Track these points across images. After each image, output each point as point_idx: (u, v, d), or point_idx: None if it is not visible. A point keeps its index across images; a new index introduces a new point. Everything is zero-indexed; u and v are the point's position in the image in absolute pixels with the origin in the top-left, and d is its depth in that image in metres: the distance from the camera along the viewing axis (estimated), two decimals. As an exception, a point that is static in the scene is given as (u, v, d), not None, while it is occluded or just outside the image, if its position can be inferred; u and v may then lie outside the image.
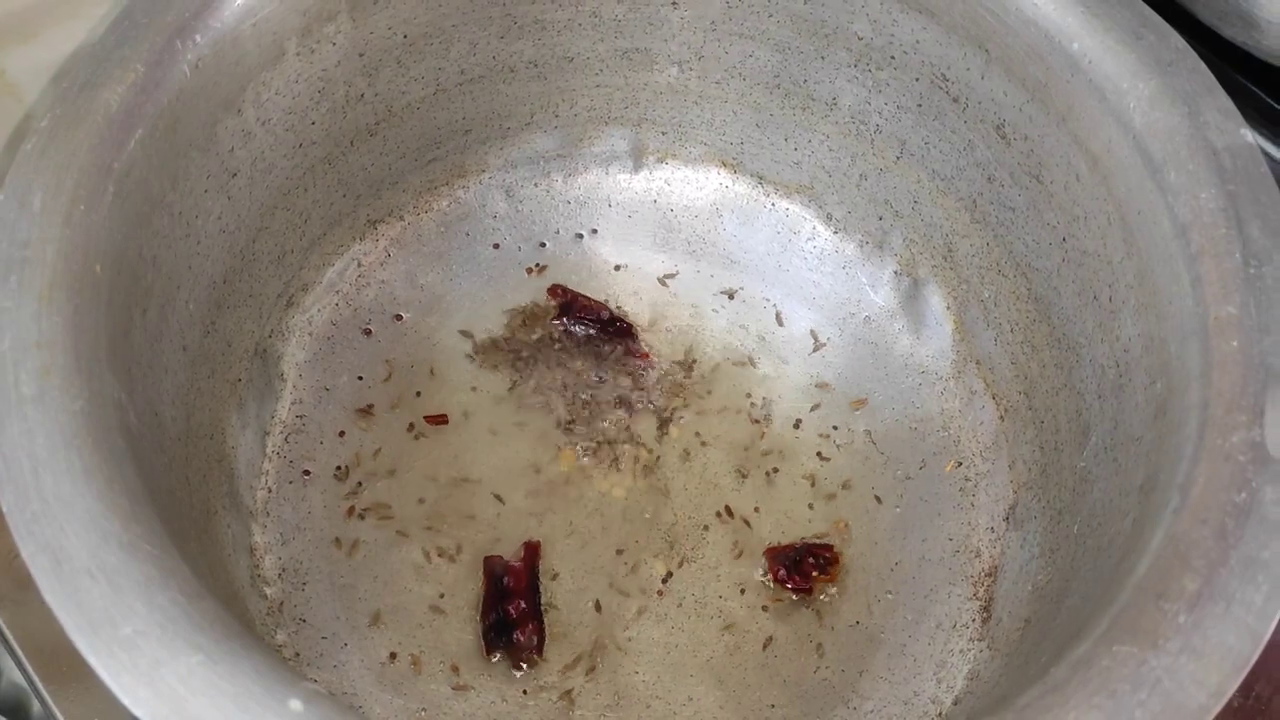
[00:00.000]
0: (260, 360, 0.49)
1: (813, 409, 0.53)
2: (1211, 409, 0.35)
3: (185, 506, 0.39)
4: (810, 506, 0.51)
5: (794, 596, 0.48)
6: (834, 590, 0.49)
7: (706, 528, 0.50)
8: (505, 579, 0.47)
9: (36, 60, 0.45)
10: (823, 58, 0.51)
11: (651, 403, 0.53)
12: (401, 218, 0.55)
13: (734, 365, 0.55)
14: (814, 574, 0.48)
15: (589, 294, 0.55)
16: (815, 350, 0.55)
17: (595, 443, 0.52)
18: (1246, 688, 0.31)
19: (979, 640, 0.46)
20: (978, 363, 0.52)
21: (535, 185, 0.57)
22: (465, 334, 0.54)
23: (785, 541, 0.50)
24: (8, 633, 0.45)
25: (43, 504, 0.29)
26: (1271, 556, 0.32)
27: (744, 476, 0.51)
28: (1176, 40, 0.42)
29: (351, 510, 0.49)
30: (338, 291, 0.53)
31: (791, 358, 0.55)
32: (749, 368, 0.55)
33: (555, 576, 0.48)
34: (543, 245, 0.57)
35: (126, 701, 0.27)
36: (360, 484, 0.49)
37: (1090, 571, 0.39)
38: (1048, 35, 0.43)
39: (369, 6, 0.47)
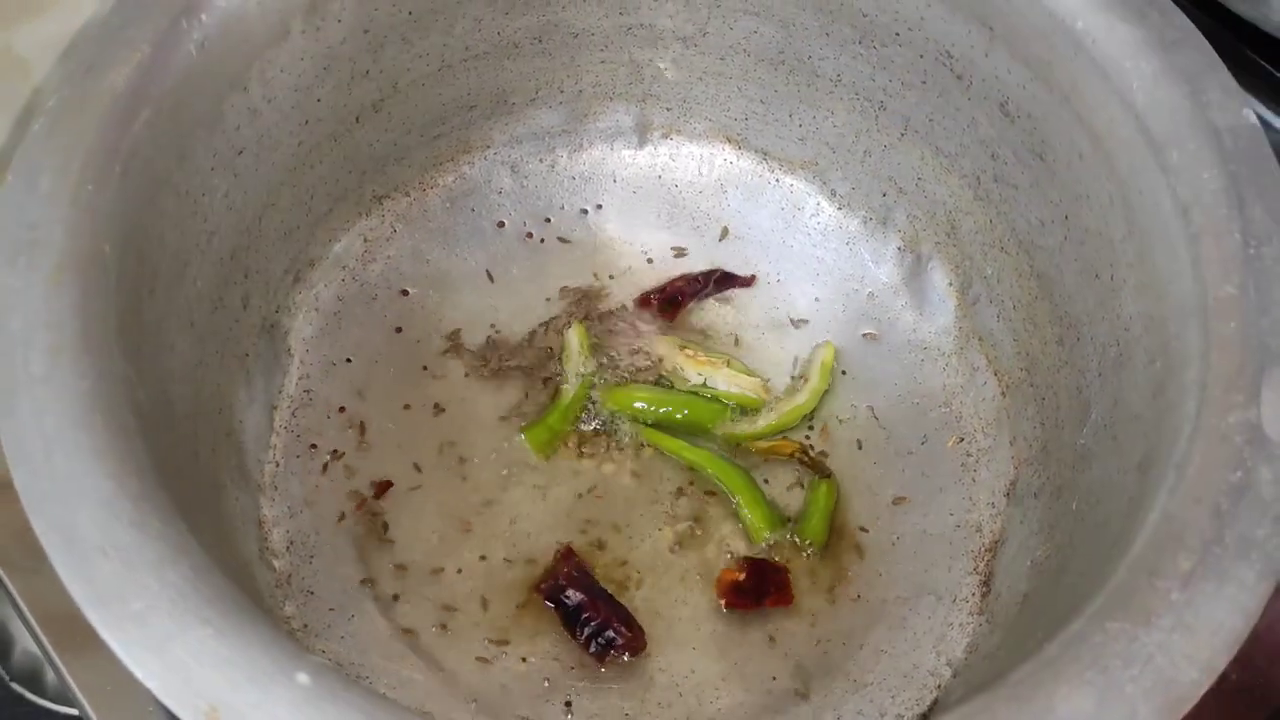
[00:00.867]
0: (268, 336, 0.49)
1: (816, 383, 0.54)
2: (1209, 389, 0.35)
3: (194, 482, 0.39)
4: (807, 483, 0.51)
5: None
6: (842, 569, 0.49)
7: (708, 502, 0.50)
8: (566, 597, 0.47)
9: (44, 36, 0.45)
10: (827, 34, 0.51)
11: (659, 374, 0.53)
12: (407, 194, 0.55)
13: (739, 339, 0.55)
14: (767, 600, 0.48)
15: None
16: (818, 325, 0.55)
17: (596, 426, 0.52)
18: (1244, 661, 0.31)
19: (978, 614, 0.47)
20: (980, 339, 0.52)
21: (540, 161, 0.57)
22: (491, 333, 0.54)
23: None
24: (21, 602, 0.46)
25: (54, 482, 0.30)
26: (1265, 535, 0.32)
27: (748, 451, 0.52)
28: (1180, 19, 0.41)
29: (359, 499, 0.49)
30: (344, 267, 0.53)
31: (794, 332, 0.55)
32: (753, 342, 0.55)
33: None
34: (548, 220, 0.57)
35: (138, 674, 0.28)
36: (365, 458, 0.50)
37: (1088, 548, 0.40)
38: (1052, 13, 0.43)
39: (373, -17, 0.47)
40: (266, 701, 0.28)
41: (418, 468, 0.50)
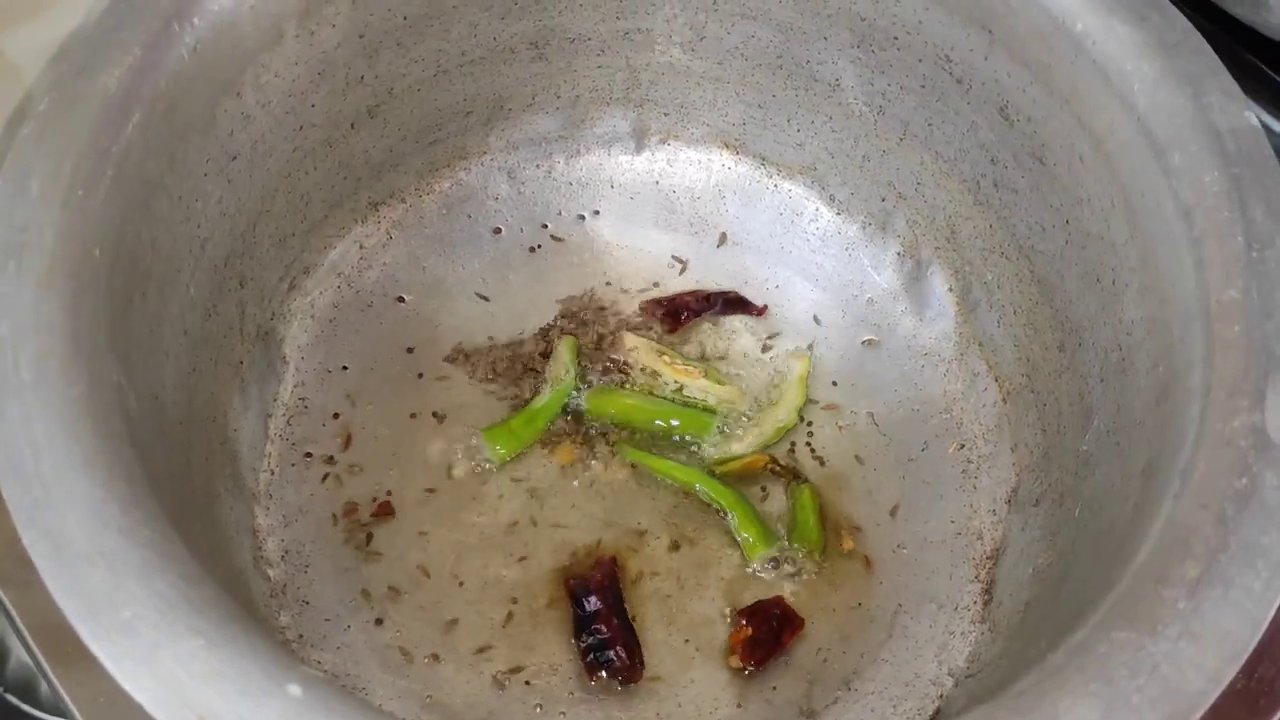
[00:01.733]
0: (262, 343, 0.49)
1: (817, 390, 0.53)
2: (1213, 393, 0.34)
3: (187, 490, 0.39)
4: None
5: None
6: (845, 569, 0.49)
7: (706, 511, 0.50)
8: (587, 600, 0.46)
9: (36, 40, 0.45)
10: (825, 38, 0.51)
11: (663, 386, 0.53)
12: (403, 200, 0.54)
13: (737, 347, 0.54)
14: (784, 638, 0.47)
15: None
16: (817, 331, 0.55)
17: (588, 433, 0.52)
18: (1249, 670, 0.31)
19: (980, 622, 0.46)
20: (980, 345, 0.52)
21: (537, 167, 0.57)
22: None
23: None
24: (14, 614, 0.45)
25: (43, 490, 0.30)
26: (1271, 542, 0.32)
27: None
28: (1181, 22, 0.41)
29: (353, 508, 0.49)
30: (339, 274, 0.53)
31: (794, 339, 0.55)
32: (752, 350, 0.54)
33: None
34: (544, 226, 0.57)
35: (127, 686, 0.27)
36: (360, 468, 0.49)
37: (1091, 555, 0.39)
38: (1051, 16, 0.42)
39: (368, -13, 0.46)
40: (257, 714, 0.27)
41: (412, 476, 0.50)
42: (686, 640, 0.47)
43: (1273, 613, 0.31)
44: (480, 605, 0.47)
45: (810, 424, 0.52)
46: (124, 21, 0.38)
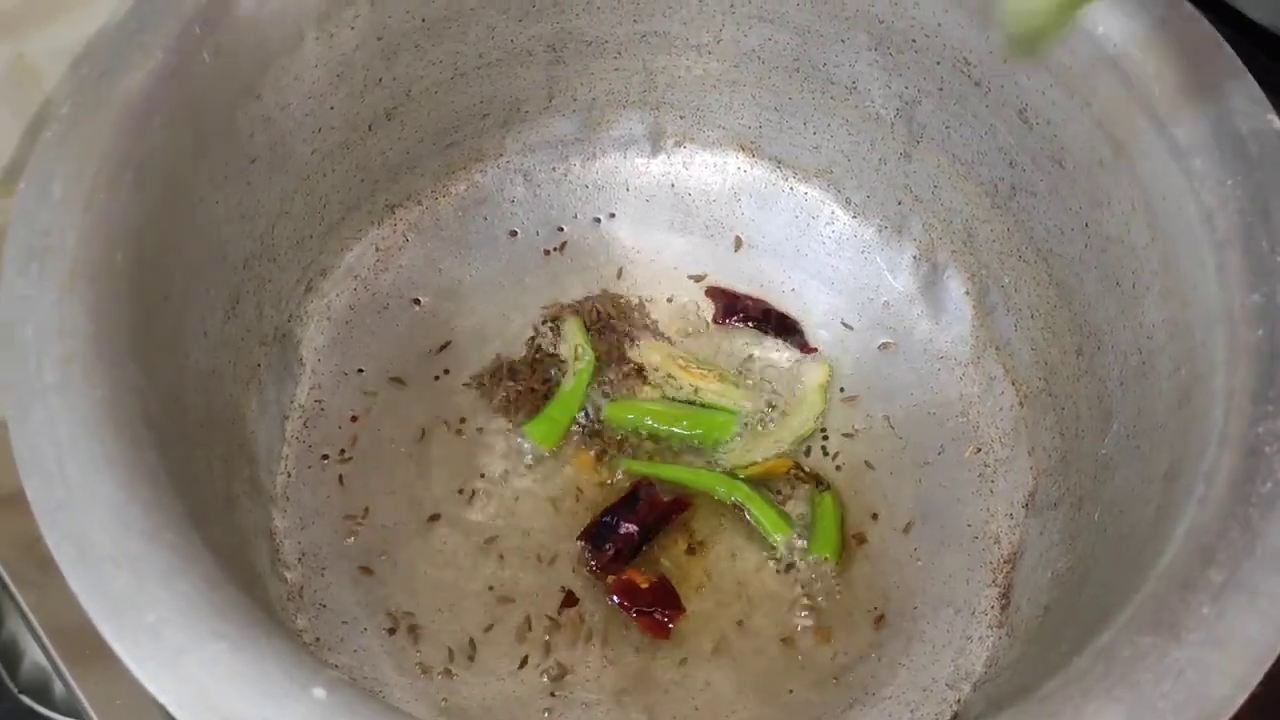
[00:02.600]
0: (279, 345, 0.49)
1: (832, 394, 0.53)
2: (1237, 397, 0.34)
3: (206, 492, 0.39)
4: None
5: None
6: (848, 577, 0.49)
7: (723, 514, 0.50)
8: (639, 504, 0.48)
9: (56, 44, 0.45)
10: (843, 41, 0.51)
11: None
12: (419, 202, 0.55)
13: (755, 352, 0.54)
14: (641, 618, 0.47)
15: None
16: (834, 335, 0.55)
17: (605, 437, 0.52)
18: (1268, 677, 0.30)
19: (998, 627, 0.46)
20: (997, 348, 0.52)
21: (553, 169, 0.57)
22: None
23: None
24: (30, 615, 0.45)
25: (67, 492, 0.30)
26: (1297, 548, 0.32)
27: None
28: (1204, 25, 0.41)
29: (366, 511, 0.49)
30: (356, 276, 0.53)
31: (811, 342, 0.55)
32: (769, 355, 0.54)
33: (554, 559, 0.48)
34: (560, 229, 0.57)
35: (152, 688, 0.27)
36: (377, 469, 0.49)
37: (1111, 560, 0.39)
38: (1072, 19, 0.42)
39: (387, -10, 0.46)
40: (282, 717, 0.27)
41: (429, 479, 0.50)
42: (704, 645, 0.47)
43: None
44: (496, 609, 0.47)
45: (825, 428, 0.52)
46: (146, 25, 0.38)
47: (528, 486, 0.50)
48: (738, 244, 0.57)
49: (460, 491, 0.50)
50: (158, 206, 0.37)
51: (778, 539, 0.49)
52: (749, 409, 0.52)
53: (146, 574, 0.29)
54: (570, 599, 0.47)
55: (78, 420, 0.31)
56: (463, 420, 0.51)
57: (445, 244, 0.55)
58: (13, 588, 0.45)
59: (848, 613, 0.48)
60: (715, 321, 0.55)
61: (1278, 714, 0.43)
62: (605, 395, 0.52)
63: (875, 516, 0.50)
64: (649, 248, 0.57)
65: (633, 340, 0.53)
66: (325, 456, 0.49)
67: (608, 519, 0.48)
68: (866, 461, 0.52)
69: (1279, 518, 0.32)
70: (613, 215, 0.57)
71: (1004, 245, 0.50)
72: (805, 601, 0.48)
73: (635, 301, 0.55)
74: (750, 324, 0.55)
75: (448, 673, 0.45)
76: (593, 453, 0.51)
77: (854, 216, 0.56)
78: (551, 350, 0.53)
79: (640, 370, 0.53)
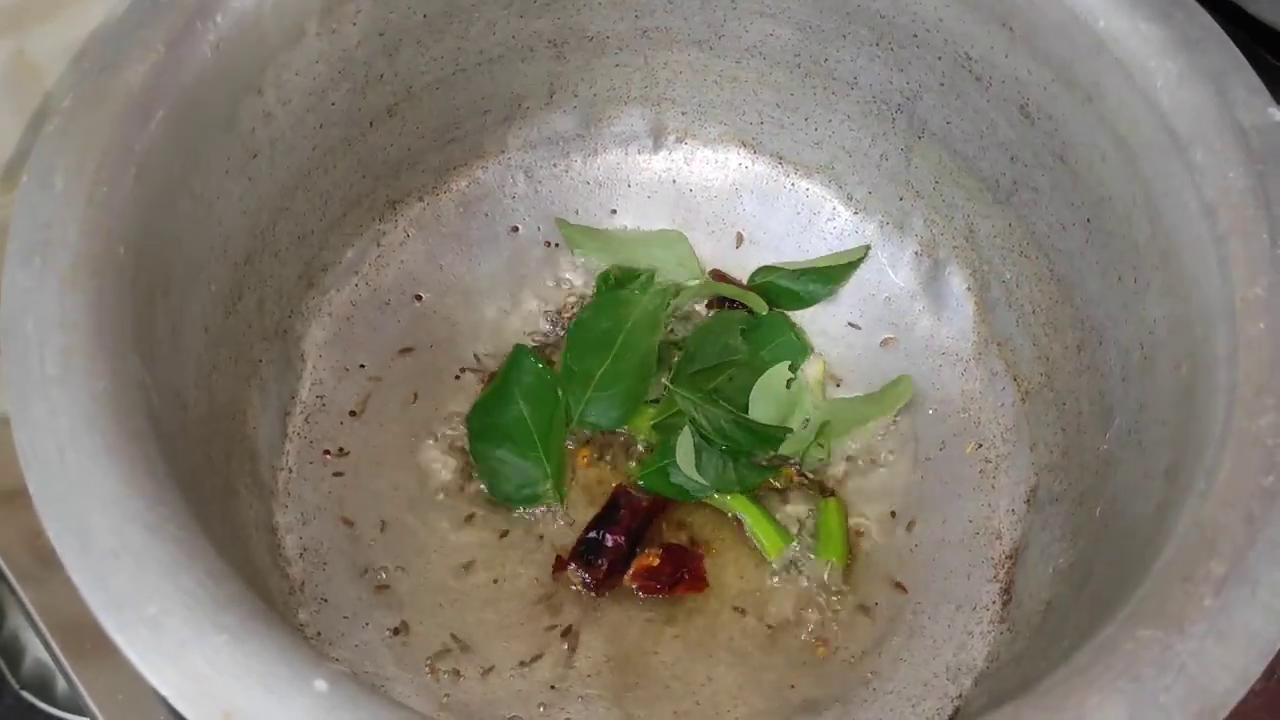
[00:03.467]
0: (281, 341, 0.49)
1: (830, 389, 0.53)
2: (1239, 391, 0.34)
3: (207, 487, 0.39)
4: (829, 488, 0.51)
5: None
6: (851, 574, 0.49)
7: (722, 517, 0.50)
8: (623, 510, 0.47)
9: (57, 40, 0.45)
10: (844, 36, 0.51)
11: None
12: (421, 198, 0.54)
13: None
14: (679, 587, 0.48)
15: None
16: (835, 331, 0.55)
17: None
18: (1269, 671, 0.30)
19: (999, 622, 0.46)
20: (999, 344, 0.52)
21: (554, 165, 0.57)
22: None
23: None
24: (32, 610, 0.45)
25: (68, 485, 0.30)
26: (1299, 541, 0.31)
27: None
28: (1204, 18, 0.41)
29: (366, 506, 0.49)
30: (357, 272, 0.53)
31: (811, 338, 0.55)
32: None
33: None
34: (562, 225, 0.57)
35: (154, 681, 0.27)
36: (377, 465, 0.50)
37: (1113, 555, 0.39)
38: (1073, 12, 0.42)
39: (388, -14, 0.46)
40: (284, 709, 0.27)
41: (429, 474, 0.50)
42: (705, 640, 0.47)
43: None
44: (498, 604, 0.47)
45: (826, 423, 0.52)
46: (147, 19, 0.38)
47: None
48: (739, 240, 0.57)
49: (462, 490, 0.50)
50: (159, 201, 0.37)
51: (771, 556, 0.48)
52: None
53: (148, 566, 0.29)
54: (560, 563, 0.48)
55: (79, 413, 0.31)
56: (465, 415, 0.51)
57: (446, 240, 0.55)
58: (15, 583, 0.45)
59: (849, 608, 0.48)
60: (709, 307, 0.55)
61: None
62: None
63: (875, 512, 0.50)
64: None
65: None
66: (326, 452, 0.49)
67: (593, 535, 0.47)
68: (867, 458, 0.52)
69: (1281, 511, 0.32)
70: (614, 211, 0.57)
71: (1005, 241, 0.50)
72: (808, 601, 0.48)
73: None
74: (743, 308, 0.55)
75: (449, 668, 0.45)
76: (592, 450, 0.51)
77: (855, 212, 0.56)
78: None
79: None
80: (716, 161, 0.58)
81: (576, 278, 0.56)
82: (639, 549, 0.48)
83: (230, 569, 0.30)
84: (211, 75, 0.39)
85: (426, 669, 0.45)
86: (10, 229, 0.34)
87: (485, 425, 0.50)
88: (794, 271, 0.55)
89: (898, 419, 0.52)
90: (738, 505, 0.49)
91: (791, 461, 0.51)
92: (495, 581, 0.47)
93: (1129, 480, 0.40)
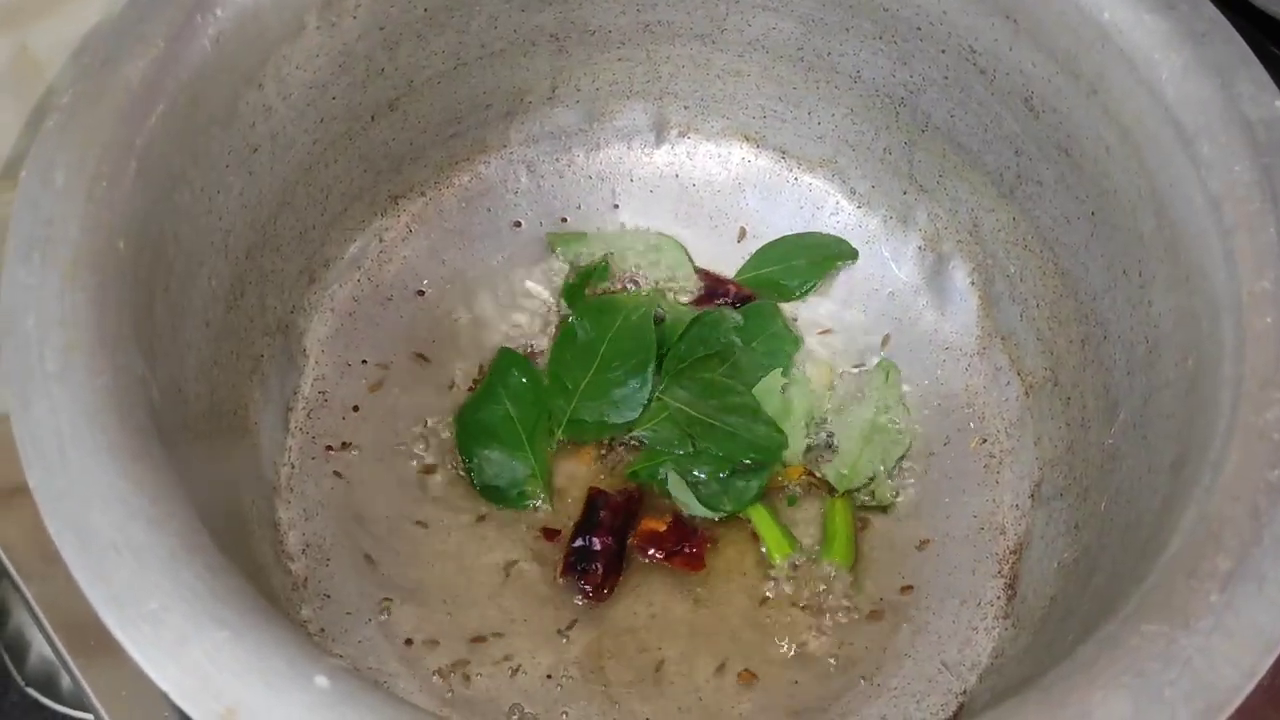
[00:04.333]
0: (283, 336, 0.49)
1: (835, 385, 0.53)
2: (1245, 385, 0.34)
3: (209, 483, 0.39)
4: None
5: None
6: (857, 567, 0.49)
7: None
8: (602, 512, 0.47)
9: (58, 36, 0.45)
10: (847, 29, 0.50)
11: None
12: (423, 193, 0.54)
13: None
14: (675, 560, 0.48)
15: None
16: (838, 326, 0.55)
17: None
18: (1276, 666, 0.30)
19: (1004, 618, 0.46)
20: (1003, 338, 0.52)
21: (556, 160, 0.56)
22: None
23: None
24: (37, 608, 0.45)
25: (68, 480, 0.30)
26: (1306, 535, 0.31)
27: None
28: (1209, 10, 0.41)
29: (369, 502, 0.49)
30: (359, 267, 0.53)
31: (814, 332, 0.54)
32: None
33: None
34: (564, 220, 0.56)
35: (154, 676, 0.27)
36: (380, 462, 0.49)
37: (1118, 549, 0.39)
38: (1078, 5, 0.42)
39: (389, -21, 0.46)
40: (285, 705, 0.27)
41: (433, 470, 0.50)
42: (707, 636, 0.47)
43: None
44: (500, 599, 0.47)
45: (829, 418, 0.52)
46: (146, 14, 0.38)
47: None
48: (741, 234, 0.57)
49: (466, 485, 0.49)
50: (160, 195, 0.37)
51: (777, 559, 0.48)
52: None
53: (149, 562, 0.29)
54: (550, 534, 0.48)
55: (80, 409, 0.31)
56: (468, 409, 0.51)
57: (448, 235, 0.55)
58: (19, 580, 0.45)
59: (853, 605, 0.48)
60: (694, 304, 0.54)
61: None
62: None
63: (881, 508, 0.50)
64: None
65: None
66: (329, 448, 0.49)
67: (580, 543, 0.47)
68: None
69: (1287, 505, 0.32)
70: (616, 206, 0.57)
71: (1010, 235, 0.50)
72: (812, 598, 0.48)
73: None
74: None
75: (452, 663, 0.45)
76: (596, 449, 0.51)
77: (858, 207, 0.56)
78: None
79: None
80: (719, 156, 0.57)
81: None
82: (627, 544, 0.48)
83: (232, 565, 0.30)
84: (211, 69, 0.39)
85: (429, 665, 0.45)
86: (10, 225, 0.34)
87: (473, 425, 0.50)
88: (782, 266, 0.55)
89: (899, 416, 0.52)
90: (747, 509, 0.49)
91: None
92: (498, 577, 0.47)
93: (1134, 475, 0.40)
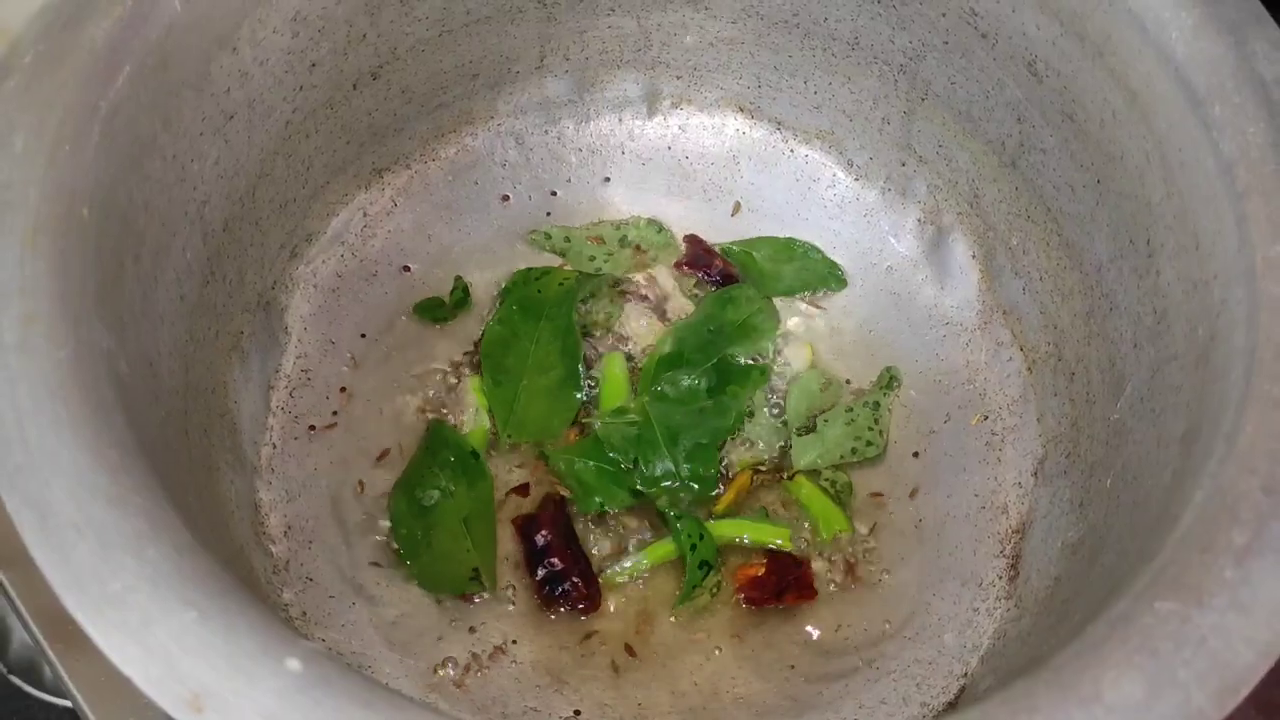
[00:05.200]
0: (264, 312, 0.47)
1: (832, 362, 0.52)
2: (1259, 353, 0.33)
3: (183, 461, 0.38)
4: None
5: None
6: (865, 545, 0.47)
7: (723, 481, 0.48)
8: (537, 535, 0.46)
9: (29, 5, 0.43)
10: (844, -7, 0.49)
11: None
12: (408, 166, 0.53)
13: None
14: (787, 597, 0.46)
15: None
16: (835, 301, 0.53)
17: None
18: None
19: (1006, 599, 0.45)
20: (1005, 313, 0.50)
21: (546, 132, 0.55)
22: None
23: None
24: (15, 596, 0.44)
25: (27, 456, 0.28)
26: (1324, 508, 0.30)
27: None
28: (1221, -33, 0.39)
29: (359, 483, 0.47)
30: (343, 242, 0.51)
31: (814, 308, 0.53)
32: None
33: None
34: (554, 194, 0.55)
35: (116, 660, 0.26)
36: (365, 441, 0.48)
37: (1126, 527, 0.38)
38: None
39: (370, -58, 0.45)
40: (254, 689, 0.26)
41: (419, 449, 0.48)
42: (702, 620, 0.45)
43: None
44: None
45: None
46: (113, -29, 0.36)
47: (513, 457, 0.49)
48: (736, 208, 0.55)
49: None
50: (127, 162, 0.35)
51: (782, 544, 0.47)
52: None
53: (112, 541, 0.27)
54: (523, 489, 0.47)
55: (39, 381, 0.29)
56: (451, 389, 0.50)
57: (435, 209, 0.53)
58: (-3, 568, 0.44)
59: (852, 587, 0.46)
60: (678, 266, 0.53)
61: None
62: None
63: (879, 487, 0.49)
64: (645, 213, 0.55)
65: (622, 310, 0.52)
66: (312, 427, 0.48)
67: (541, 571, 0.45)
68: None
69: (1305, 477, 0.30)
70: (608, 179, 0.56)
71: (1012, 205, 0.49)
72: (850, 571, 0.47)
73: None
74: (710, 285, 0.53)
75: (438, 648, 0.44)
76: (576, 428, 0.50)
77: (856, 179, 0.54)
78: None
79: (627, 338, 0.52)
80: (713, 127, 0.56)
81: (569, 248, 0.54)
82: (579, 552, 0.46)
83: (203, 544, 0.29)
84: (181, 30, 0.37)
85: (415, 649, 0.43)
86: (-33, 190, 0.32)
87: (409, 512, 0.46)
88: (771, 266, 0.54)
89: (898, 393, 0.51)
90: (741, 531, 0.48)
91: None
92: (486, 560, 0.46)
93: (1142, 449, 0.39)
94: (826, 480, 0.48)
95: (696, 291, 0.53)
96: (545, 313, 0.50)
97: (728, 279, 0.53)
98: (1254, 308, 0.34)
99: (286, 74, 0.44)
